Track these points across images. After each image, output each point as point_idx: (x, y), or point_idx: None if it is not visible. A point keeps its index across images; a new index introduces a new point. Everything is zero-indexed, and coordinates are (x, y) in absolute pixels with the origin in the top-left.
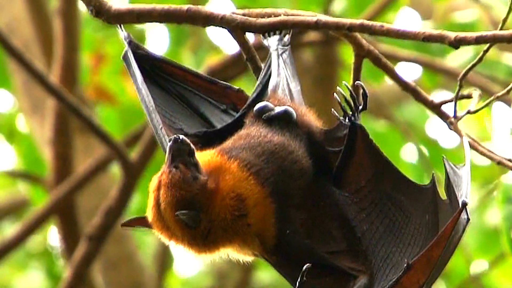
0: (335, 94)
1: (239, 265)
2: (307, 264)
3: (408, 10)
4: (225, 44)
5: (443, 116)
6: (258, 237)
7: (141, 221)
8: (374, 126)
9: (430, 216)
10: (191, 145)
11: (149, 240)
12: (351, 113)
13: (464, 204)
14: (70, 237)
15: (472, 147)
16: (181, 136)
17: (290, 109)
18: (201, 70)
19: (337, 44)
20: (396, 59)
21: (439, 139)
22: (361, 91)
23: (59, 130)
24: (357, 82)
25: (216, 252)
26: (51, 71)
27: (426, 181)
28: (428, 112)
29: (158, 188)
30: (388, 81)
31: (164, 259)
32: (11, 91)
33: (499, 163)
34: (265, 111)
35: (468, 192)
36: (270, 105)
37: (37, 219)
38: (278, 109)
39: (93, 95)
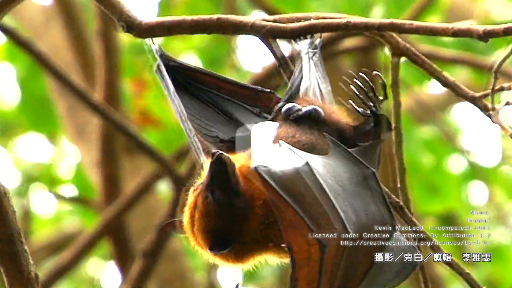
0: (351, 86)
1: None
2: None
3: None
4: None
5: (483, 109)
6: None
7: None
8: (420, 133)
9: None
10: (233, 164)
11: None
12: (372, 104)
13: None
14: (122, 258)
15: None
16: (224, 154)
17: (318, 108)
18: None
19: (376, 49)
20: (437, 59)
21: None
22: (380, 81)
23: (106, 151)
24: (374, 72)
25: (251, 262)
26: (94, 93)
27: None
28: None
29: (194, 208)
30: (432, 88)
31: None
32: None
33: None
34: (292, 111)
35: None
36: (297, 105)
37: (88, 242)
38: (305, 109)
39: (138, 121)
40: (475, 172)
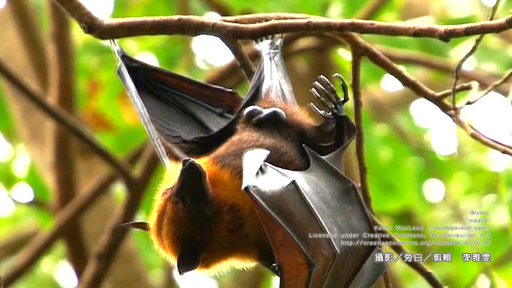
0: (312, 89)
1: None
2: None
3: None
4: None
5: (444, 108)
6: (257, 245)
7: (142, 226)
8: (375, 131)
9: None
10: (203, 171)
11: (158, 260)
12: (333, 106)
13: None
14: (78, 259)
15: (475, 137)
16: (194, 162)
17: (279, 110)
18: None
19: (331, 49)
20: (391, 59)
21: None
22: (341, 82)
23: (60, 154)
24: (335, 74)
25: (216, 267)
26: (48, 95)
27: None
28: (419, 123)
29: (163, 212)
30: (386, 87)
31: (172, 279)
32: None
33: (504, 152)
34: (253, 114)
35: None
36: (259, 108)
37: (44, 244)
38: (266, 112)
39: (90, 123)
40: (431, 169)
